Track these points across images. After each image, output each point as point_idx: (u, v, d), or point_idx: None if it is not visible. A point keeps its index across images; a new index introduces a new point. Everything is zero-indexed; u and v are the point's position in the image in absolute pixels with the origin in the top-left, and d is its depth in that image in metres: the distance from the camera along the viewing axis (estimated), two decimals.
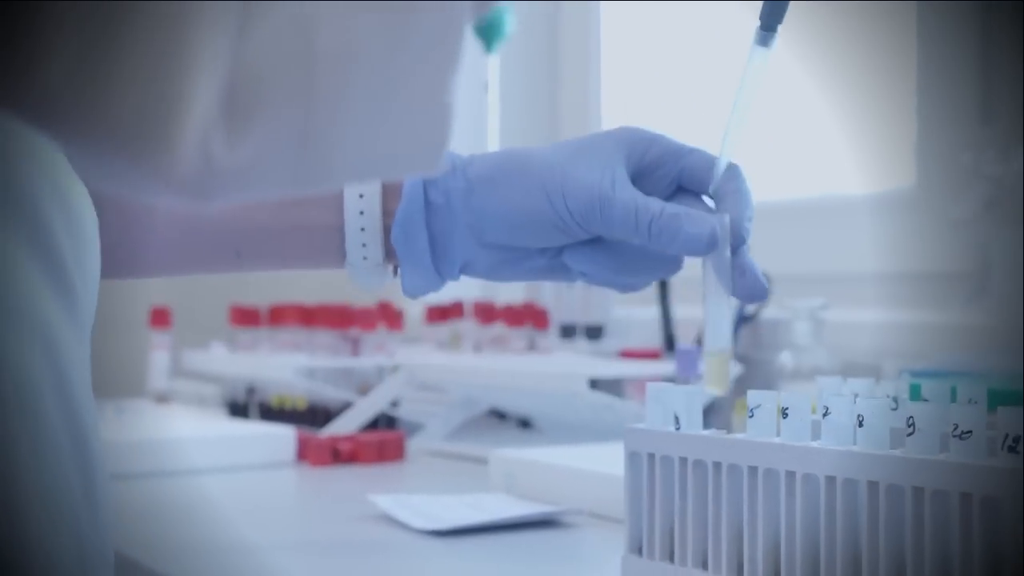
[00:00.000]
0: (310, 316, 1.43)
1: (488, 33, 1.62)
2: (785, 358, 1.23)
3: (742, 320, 1.34)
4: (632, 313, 1.48)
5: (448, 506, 0.90)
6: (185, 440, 1.14)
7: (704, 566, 0.67)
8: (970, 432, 0.56)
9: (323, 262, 0.73)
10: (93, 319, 0.55)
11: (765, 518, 0.63)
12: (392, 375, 1.32)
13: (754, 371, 1.29)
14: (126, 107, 0.34)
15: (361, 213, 0.71)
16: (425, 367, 1.31)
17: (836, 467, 0.60)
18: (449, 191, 0.71)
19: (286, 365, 1.34)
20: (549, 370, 1.21)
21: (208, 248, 0.71)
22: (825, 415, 0.62)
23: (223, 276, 2.05)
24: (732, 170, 0.72)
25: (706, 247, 0.69)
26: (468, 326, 1.47)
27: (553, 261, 0.72)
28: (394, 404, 1.33)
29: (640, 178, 0.71)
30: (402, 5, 0.39)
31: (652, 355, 1.34)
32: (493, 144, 1.66)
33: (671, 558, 0.68)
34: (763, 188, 1.62)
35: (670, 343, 1.36)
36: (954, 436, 0.57)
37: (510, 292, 1.65)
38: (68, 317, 0.51)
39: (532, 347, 1.42)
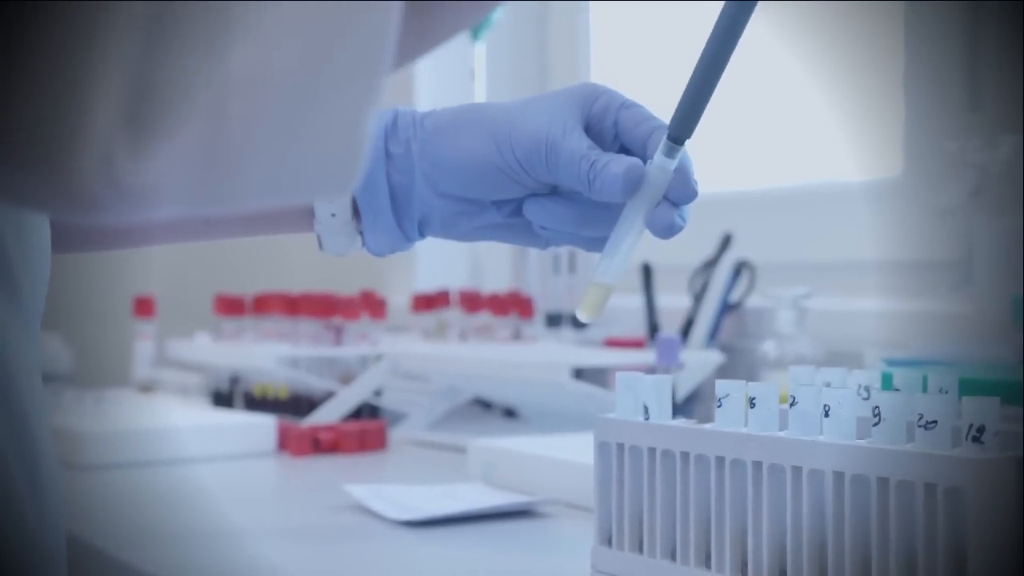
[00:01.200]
0: (294, 305, 1.43)
1: None
2: (768, 347, 1.23)
3: (726, 309, 1.34)
4: (618, 302, 1.47)
5: (423, 496, 0.90)
6: (165, 430, 1.14)
7: (672, 557, 0.66)
8: (935, 422, 0.56)
9: (292, 224, 0.72)
10: (42, 308, 0.54)
11: (732, 508, 0.63)
12: (375, 364, 1.32)
13: (737, 360, 1.29)
14: (23, 121, 0.34)
15: None
16: (408, 356, 1.30)
17: (802, 457, 0.60)
18: (408, 141, 0.71)
19: (268, 354, 1.33)
20: (532, 359, 1.20)
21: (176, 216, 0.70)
22: (792, 405, 0.61)
23: (209, 265, 2.05)
24: (664, 133, 0.69)
25: (622, 185, 0.66)
26: (454, 315, 1.47)
27: (512, 218, 0.72)
28: (377, 393, 1.32)
29: (588, 131, 0.70)
30: (325, 34, 0.38)
31: (637, 344, 1.34)
32: None
33: (640, 549, 0.68)
34: (751, 177, 1.61)
35: (654, 332, 1.35)
36: (919, 426, 0.56)
37: (496, 281, 1.65)
38: (10, 307, 0.51)
39: (517, 336, 1.42)
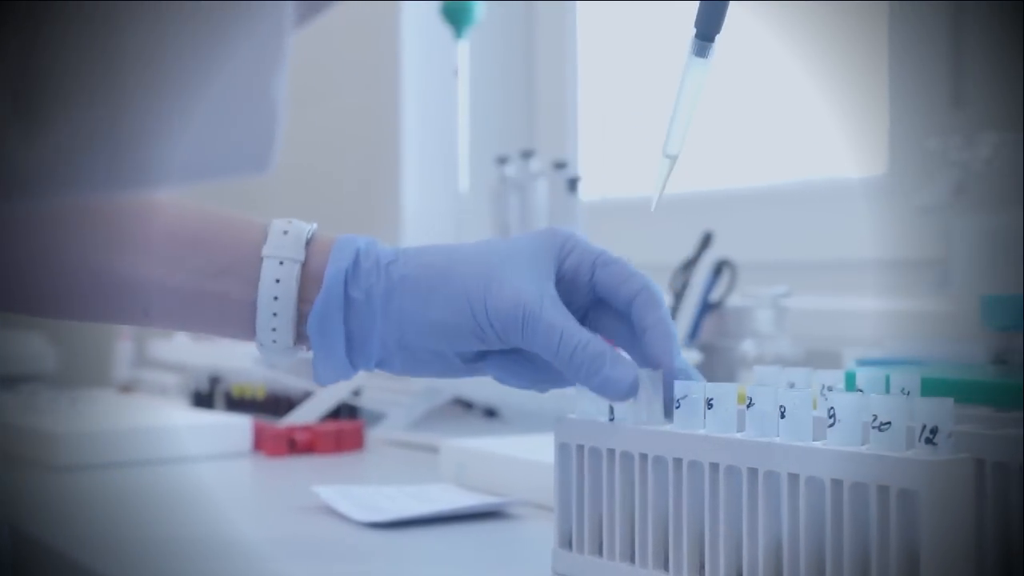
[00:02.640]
0: None
1: (457, 19, 1.61)
2: (747, 346, 1.22)
3: (707, 308, 1.33)
4: None
5: (391, 497, 0.89)
6: (138, 431, 1.13)
7: (631, 559, 0.66)
8: (889, 423, 0.55)
9: (233, 334, 0.71)
10: None
11: (689, 510, 0.62)
12: None
13: (717, 359, 1.28)
14: None
15: (275, 299, 0.68)
16: None
17: (757, 459, 0.59)
18: (370, 289, 0.69)
19: (246, 354, 1.32)
20: None
21: (116, 302, 0.69)
22: (749, 406, 0.61)
23: None
24: (651, 297, 0.69)
25: (625, 395, 0.66)
26: None
27: (472, 364, 0.71)
28: (356, 393, 1.31)
29: (560, 283, 0.69)
30: (219, 4, 0.38)
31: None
32: (463, 129, 1.65)
33: (600, 551, 0.67)
34: (743, 175, 1.61)
35: None
36: (874, 427, 0.56)
37: None
38: None
39: None
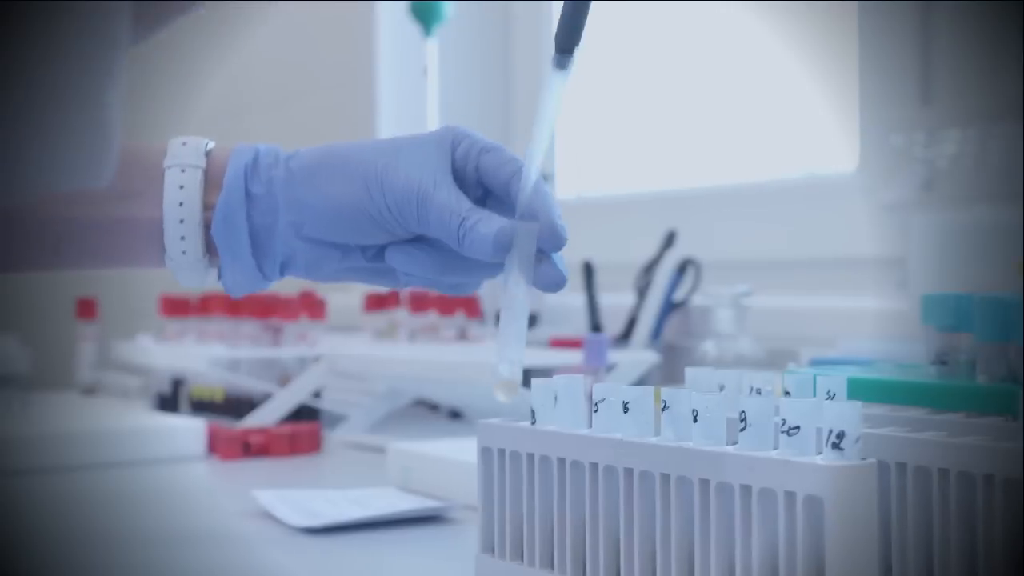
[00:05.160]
0: (236, 306, 1.41)
1: (425, 17, 1.60)
2: (708, 346, 1.21)
3: (670, 307, 1.32)
4: (566, 301, 1.46)
5: (330, 502, 0.88)
6: (88, 434, 1.11)
7: (551, 565, 0.64)
8: (798, 428, 0.54)
9: (144, 258, 0.71)
10: None
11: (605, 516, 0.61)
12: (313, 366, 1.30)
13: (679, 359, 1.27)
14: None
15: (180, 204, 0.69)
16: (345, 357, 1.28)
17: (670, 464, 0.58)
18: (271, 181, 0.70)
19: (203, 356, 1.31)
20: (459, 360, 1.18)
21: (26, 242, 0.69)
22: (664, 409, 0.59)
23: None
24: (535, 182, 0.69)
25: (492, 248, 0.66)
26: (403, 315, 1.45)
27: (375, 262, 0.71)
28: (316, 395, 1.30)
29: (454, 175, 0.69)
30: (49, 21, 0.37)
31: (579, 343, 1.32)
32: (435, 127, 1.64)
33: (521, 557, 0.66)
34: (716, 174, 1.59)
35: (597, 330, 1.33)
36: (783, 431, 0.54)
37: None
38: None
39: (463, 336, 1.40)
